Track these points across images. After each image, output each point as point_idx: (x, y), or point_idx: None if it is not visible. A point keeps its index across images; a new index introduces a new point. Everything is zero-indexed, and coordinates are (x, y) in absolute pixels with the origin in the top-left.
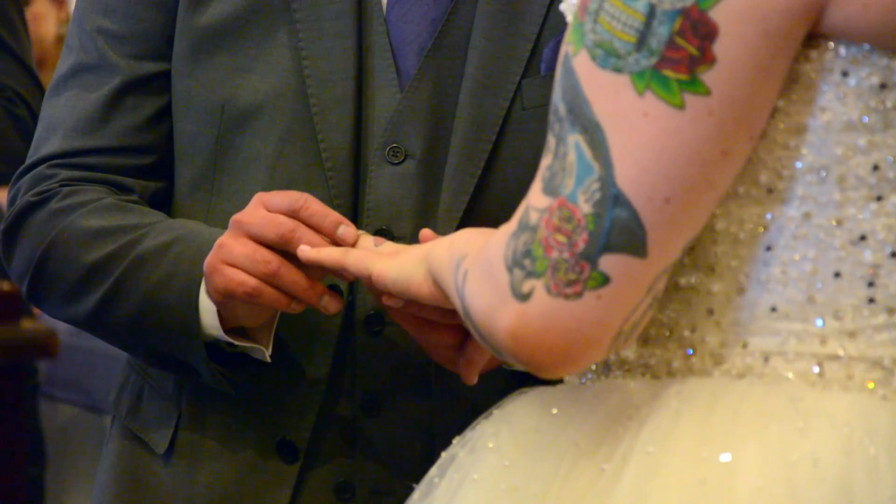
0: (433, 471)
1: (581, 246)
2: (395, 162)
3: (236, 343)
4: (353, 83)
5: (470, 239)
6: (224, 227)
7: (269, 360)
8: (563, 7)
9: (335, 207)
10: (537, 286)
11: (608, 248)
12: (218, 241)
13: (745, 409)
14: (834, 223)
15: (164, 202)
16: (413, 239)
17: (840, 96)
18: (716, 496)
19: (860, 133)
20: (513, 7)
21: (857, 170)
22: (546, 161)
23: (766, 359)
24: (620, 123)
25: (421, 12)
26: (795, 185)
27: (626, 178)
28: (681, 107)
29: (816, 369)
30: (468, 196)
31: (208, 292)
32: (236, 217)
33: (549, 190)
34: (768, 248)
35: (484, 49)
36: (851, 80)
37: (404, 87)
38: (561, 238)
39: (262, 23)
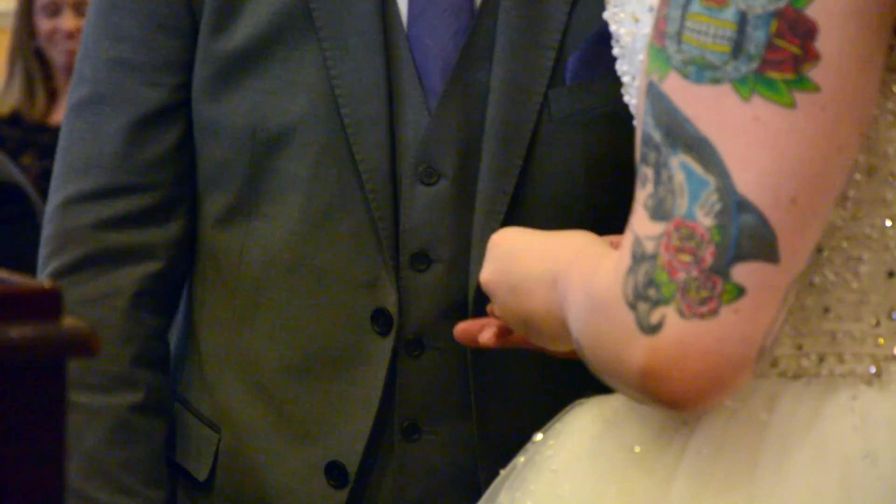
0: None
1: (709, 260)
2: (430, 182)
3: None
4: (386, 100)
5: (552, 247)
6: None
7: None
8: (606, 15)
9: (378, 230)
10: (668, 313)
11: (739, 256)
12: None
13: (801, 408)
14: (887, 223)
15: (188, 241)
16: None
17: (887, 94)
18: (769, 495)
19: None
20: (534, 17)
21: None
22: (646, 191)
23: (822, 360)
24: (730, 132)
25: (443, 25)
26: (846, 186)
27: (748, 183)
28: (792, 106)
29: (872, 369)
30: (501, 216)
31: None
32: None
33: (659, 216)
34: (820, 250)
35: (508, 61)
36: None
37: (430, 103)
38: (685, 257)
39: (288, 42)
